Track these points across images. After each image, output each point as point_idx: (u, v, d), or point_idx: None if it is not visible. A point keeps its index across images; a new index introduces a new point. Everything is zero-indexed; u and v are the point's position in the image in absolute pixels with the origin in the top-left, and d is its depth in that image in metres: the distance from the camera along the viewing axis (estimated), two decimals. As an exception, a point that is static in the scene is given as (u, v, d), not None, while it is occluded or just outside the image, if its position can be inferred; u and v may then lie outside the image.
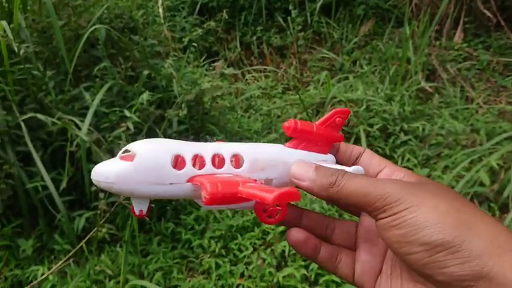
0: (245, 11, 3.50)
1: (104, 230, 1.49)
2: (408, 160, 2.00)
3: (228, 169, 0.38)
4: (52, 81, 1.69)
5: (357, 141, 2.12)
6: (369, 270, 0.39)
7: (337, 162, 0.44)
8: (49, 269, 1.45)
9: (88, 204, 1.61)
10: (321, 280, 1.42)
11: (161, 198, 0.38)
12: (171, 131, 1.79)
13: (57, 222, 1.59)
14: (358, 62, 3.05)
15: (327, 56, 3.17)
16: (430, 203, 0.32)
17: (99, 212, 1.46)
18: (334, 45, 3.30)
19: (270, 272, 1.46)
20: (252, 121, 2.51)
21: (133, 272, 1.49)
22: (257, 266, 1.49)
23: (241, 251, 1.57)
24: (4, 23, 1.55)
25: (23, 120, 1.54)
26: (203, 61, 3.13)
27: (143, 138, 0.39)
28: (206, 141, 0.49)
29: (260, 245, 1.59)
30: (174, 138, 0.40)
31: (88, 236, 1.28)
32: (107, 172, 0.35)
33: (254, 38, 3.41)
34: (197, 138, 1.85)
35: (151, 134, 1.71)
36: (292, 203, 0.42)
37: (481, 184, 1.70)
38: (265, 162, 0.40)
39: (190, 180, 0.37)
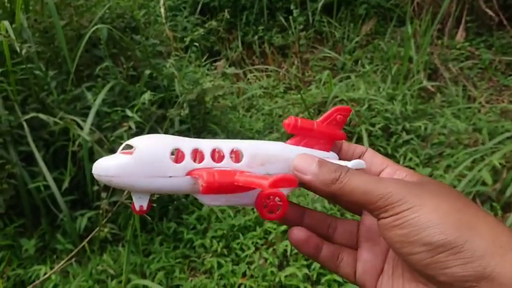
0: (247, 10, 3.50)
1: (106, 229, 1.49)
2: (410, 159, 2.00)
3: (227, 163, 0.38)
4: (54, 81, 1.69)
5: (359, 141, 2.12)
6: (371, 269, 0.39)
7: None
8: (51, 268, 1.45)
9: (90, 204, 1.61)
10: (323, 279, 1.42)
11: (161, 192, 0.37)
12: (172, 130, 1.79)
13: (60, 222, 1.59)
14: (360, 61, 3.05)
15: (328, 55, 3.17)
16: (432, 203, 0.32)
17: (101, 211, 1.46)
18: (336, 45, 3.30)
19: (272, 272, 1.46)
20: (253, 121, 2.51)
21: (135, 272, 1.49)
22: (259, 265, 1.49)
23: (243, 251, 1.57)
24: (6, 23, 1.55)
25: (25, 120, 1.54)
26: (205, 61, 3.14)
27: None
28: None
29: (262, 245, 1.59)
30: (176, 137, 0.40)
31: (90, 236, 1.28)
32: (107, 166, 0.35)
33: (256, 37, 3.41)
34: (199, 138, 1.84)
35: (153, 133, 1.71)
36: (294, 201, 0.42)
37: (483, 183, 1.69)
38: (265, 158, 0.39)
39: (189, 173, 0.37)
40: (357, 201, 0.35)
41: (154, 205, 1.63)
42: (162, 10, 2.95)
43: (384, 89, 2.51)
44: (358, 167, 0.40)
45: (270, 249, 1.56)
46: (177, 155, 0.37)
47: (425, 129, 2.17)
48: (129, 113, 1.67)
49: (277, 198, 0.37)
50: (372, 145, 2.12)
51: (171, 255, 1.56)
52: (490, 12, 3.05)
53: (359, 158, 0.43)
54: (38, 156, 1.52)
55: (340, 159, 0.44)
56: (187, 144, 0.38)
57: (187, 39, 3.05)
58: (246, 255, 1.54)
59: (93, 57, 1.90)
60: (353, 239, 0.42)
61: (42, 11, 1.84)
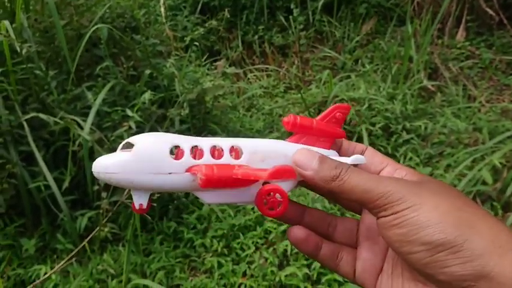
0: (247, 10, 3.49)
1: (106, 229, 1.49)
2: (410, 159, 2.00)
3: (226, 160, 0.38)
4: (54, 81, 1.69)
5: (359, 140, 2.12)
6: (370, 268, 0.39)
7: None
8: (52, 268, 1.45)
9: (90, 204, 1.61)
10: (323, 279, 1.42)
11: (161, 190, 0.37)
12: (173, 130, 1.79)
13: (60, 222, 1.59)
14: (360, 61, 3.05)
15: (329, 54, 3.17)
16: (432, 202, 0.32)
17: (101, 211, 1.46)
18: (336, 44, 3.30)
19: (272, 271, 1.46)
20: (254, 120, 2.51)
21: (136, 271, 1.49)
22: (259, 265, 1.49)
23: (243, 250, 1.57)
24: (6, 22, 1.55)
25: (26, 120, 1.54)
26: (205, 60, 3.14)
27: None
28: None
29: (262, 244, 1.59)
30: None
31: (90, 236, 1.28)
32: (106, 163, 0.35)
33: (256, 37, 3.41)
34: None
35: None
36: (294, 200, 0.42)
37: (484, 183, 1.69)
38: (265, 154, 0.39)
39: (188, 170, 0.37)
40: (357, 200, 0.35)
41: (155, 204, 1.64)
42: (162, 9, 2.95)
43: (384, 88, 2.51)
44: (357, 163, 0.39)
45: (270, 249, 1.56)
46: (177, 153, 0.37)
47: (426, 128, 2.17)
48: (129, 112, 1.67)
49: (277, 194, 0.37)
50: (372, 145, 2.11)
51: (172, 255, 1.56)
52: (491, 12, 3.05)
53: None
54: (38, 156, 1.52)
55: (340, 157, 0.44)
56: (186, 141, 0.38)
57: (188, 39, 3.06)
58: (246, 255, 1.54)
59: (93, 57, 1.90)
60: (353, 237, 0.42)
61: (42, 10, 1.84)
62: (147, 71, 1.85)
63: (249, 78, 3.16)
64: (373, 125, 2.21)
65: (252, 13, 3.46)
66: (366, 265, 0.39)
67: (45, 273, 1.42)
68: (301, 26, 3.32)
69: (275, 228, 1.60)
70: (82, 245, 1.26)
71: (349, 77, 2.80)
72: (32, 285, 1.24)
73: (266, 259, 1.52)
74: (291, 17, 3.33)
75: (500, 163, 1.72)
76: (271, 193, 0.37)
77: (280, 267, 1.50)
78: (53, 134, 1.62)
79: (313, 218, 0.42)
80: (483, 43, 3.05)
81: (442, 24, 3.10)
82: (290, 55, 3.29)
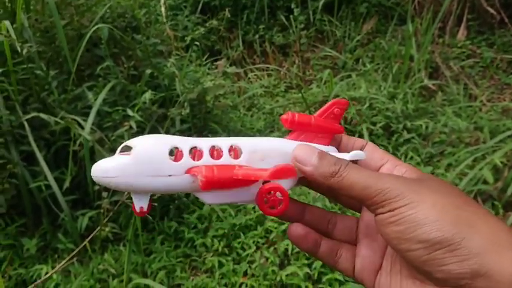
0: (247, 9, 3.49)
1: (107, 229, 1.49)
2: (411, 158, 2.00)
3: (226, 160, 0.38)
4: (55, 81, 1.69)
5: (360, 140, 2.11)
6: (369, 265, 0.39)
7: None
8: (53, 267, 1.45)
9: (91, 204, 1.61)
10: (324, 278, 1.42)
11: (161, 192, 0.37)
12: (173, 129, 1.79)
13: (61, 222, 1.59)
14: (360, 60, 3.05)
15: (329, 54, 3.17)
16: (430, 199, 0.32)
17: (102, 211, 1.46)
18: (337, 44, 3.30)
19: (273, 271, 1.46)
20: (254, 120, 2.51)
21: (137, 271, 1.49)
22: (260, 264, 1.49)
23: (244, 250, 1.57)
24: (7, 22, 1.55)
25: (26, 120, 1.54)
26: (205, 60, 3.14)
27: None
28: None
29: (263, 244, 1.59)
30: (176, 136, 0.40)
31: (91, 235, 1.28)
32: (105, 167, 0.35)
33: (256, 36, 3.41)
34: (200, 137, 1.85)
35: (154, 132, 1.69)
36: (295, 198, 0.42)
37: (485, 182, 1.69)
38: (265, 153, 0.39)
39: (188, 171, 0.36)
40: (355, 196, 0.35)
41: (155, 204, 1.64)
42: (163, 9, 2.95)
43: (384, 87, 2.51)
44: (357, 158, 0.39)
45: (271, 248, 1.56)
46: (176, 154, 0.37)
47: (427, 127, 2.17)
48: (130, 112, 1.67)
49: (278, 193, 0.37)
50: (373, 144, 2.11)
51: (172, 255, 1.56)
52: (492, 11, 3.04)
53: None
54: (39, 155, 1.52)
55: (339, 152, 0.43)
56: (185, 143, 0.38)
57: (188, 39, 3.05)
58: (247, 255, 1.54)
59: (94, 57, 1.91)
60: (352, 235, 0.42)
61: (43, 10, 1.84)
62: (148, 71, 1.85)
63: (249, 78, 3.16)
64: (374, 124, 2.21)
65: (253, 13, 3.46)
66: (365, 262, 0.39)
67: (47, 273, 1.42)
68: (302, 26, 3.32)
69: (276, 228, 1.60)
70: (83, 244, 1.26)
71: (349, 76, 2.80)
72: (33, 285, 1.24)
73: (267, 258, 1.52)
74: (291, 16, 3.33)
75: (501, 162, 1.72)
76: (272, 192, 0.37)
77: (281, 266, 1.50)
78: (53, 134, 1.62)
79: (313, 216, 0.42)
80: (484, 42, 3.05)
81: (443, 23, 3.10)
82: (291, 54, 3.29)
